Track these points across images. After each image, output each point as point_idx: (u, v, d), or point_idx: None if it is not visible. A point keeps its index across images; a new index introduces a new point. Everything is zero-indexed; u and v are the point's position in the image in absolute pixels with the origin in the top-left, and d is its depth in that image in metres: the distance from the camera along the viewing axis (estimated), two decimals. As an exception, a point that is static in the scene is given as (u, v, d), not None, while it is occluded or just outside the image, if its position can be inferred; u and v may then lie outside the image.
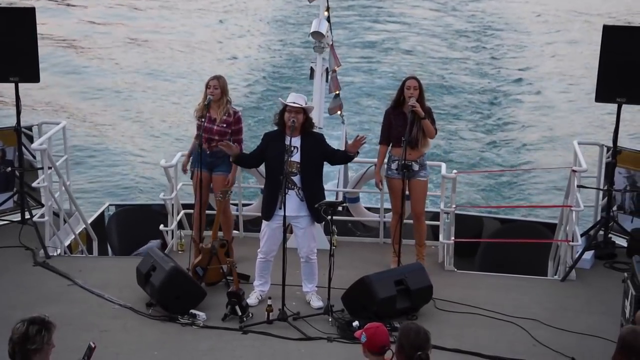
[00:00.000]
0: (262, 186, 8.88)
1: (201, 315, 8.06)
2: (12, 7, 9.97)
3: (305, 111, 8.16)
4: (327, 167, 8.60)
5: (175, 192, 9.93)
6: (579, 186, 9.40)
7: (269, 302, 8.02)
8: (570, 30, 29.19)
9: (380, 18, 31.32)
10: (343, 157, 8.50)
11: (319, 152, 8.20)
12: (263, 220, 8.34)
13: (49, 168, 9.67)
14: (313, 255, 8.34)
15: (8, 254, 9.56)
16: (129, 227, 11.46)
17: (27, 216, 10.10)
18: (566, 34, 28.87)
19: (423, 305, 8.30)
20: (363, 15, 31.57)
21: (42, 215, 9.73)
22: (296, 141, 8.11)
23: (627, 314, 7.19)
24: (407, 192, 9.08)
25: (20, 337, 4.89)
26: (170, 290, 8.11)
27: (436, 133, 9.10)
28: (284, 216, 7.97)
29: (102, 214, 11.53)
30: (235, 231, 9.98)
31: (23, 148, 10.27)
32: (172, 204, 9.94)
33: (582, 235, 9.58)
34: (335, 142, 10.88)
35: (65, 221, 10.05)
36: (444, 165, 9.84)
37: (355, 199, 11.01)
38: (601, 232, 9.82)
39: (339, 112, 11.07)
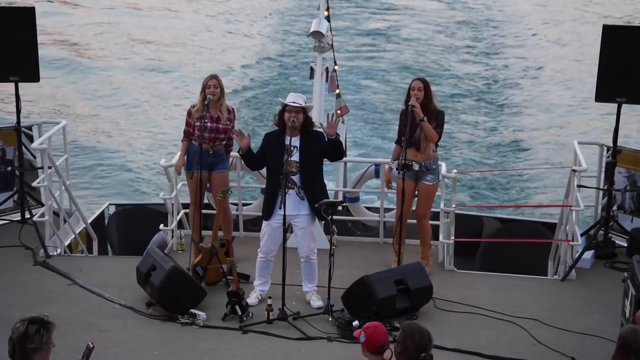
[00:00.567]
0: (263, 186, 8.88)
1: (201, 314, 8.06)
2: (12, 7, 9.97)
3: (304, 110, 8.17)
4: (327, 167, 8.61)
5: (175, 192, 9.93)
6: (579, 186, 9.40)
7: (269, 301, 8.02)
8: (572, 30, 29.26)
9: (382, 9, 31.65)
10: (331, 147, 8.21)
11: (318, 150, 8.20)
12: (263, 220, 8.34)
13: (49, 167, 9.67)
14: (313, 255, 8.34)
15: (8, 254, 9.56)
16: (129, 226, 11.46)
17: (27, 216, 10.10)
18: (567, 32, 28.93)
19: (423, 305, 8.30)
20: (364, 7, 31.88)
21: (42, 215, 9.73)
22: (296, 141, 8.11)
23: (627, 313, 7.19)
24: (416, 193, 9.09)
25: (19, 337, 4.89)
26: (170, 290, 8.11)
27: (439, 138, 8.98)
28: (284, 216, 7.97)
29: (102, 213, 11.53)
30: (235, 232, 9.98)
31: (23, 148, 10.27)
32: (172, 204, 9.94)
33: (582, 235, 9.58)
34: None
35: (65, 221, 10.05)
36: (444, 164, 9.84)
37: (355, 199, 11.01)
38: (601, 232, 9.82)
39: (339, 113, 11.07)
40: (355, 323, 7.68)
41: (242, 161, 8.78)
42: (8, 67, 9.88)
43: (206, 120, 8.95)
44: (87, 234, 10.62)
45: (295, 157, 8.11)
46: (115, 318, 8.14)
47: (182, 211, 10.29)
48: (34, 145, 9.92)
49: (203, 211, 9.26)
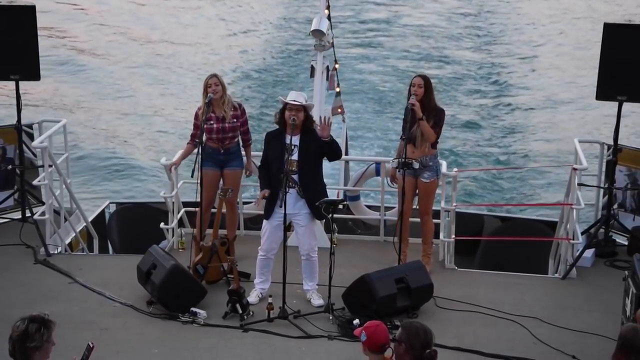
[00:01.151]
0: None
1: (202, 313, 8.06)
2: (12, 5, 9.96)
3: (305, 109, 8.16)
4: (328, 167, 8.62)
5: (175, 190, 9.93)
6: (580, 184, 9.40)
7: (270, 300, 8.02)
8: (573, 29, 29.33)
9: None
10: (327, 147, 8.19)
11: (317, 149, 8.20)
12: (264, 219, 8.34)
13: (50, 166, 9.68)
14: (314, 253, 8.34)
15: (9, 252, 9.57)
16: (129, 225, 11.46)
17: (28, 214, 10.10)
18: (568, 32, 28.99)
19: (423, 303, 8.30)
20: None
21: (43, 213, 9.73)
22: (296, 139, 8.11)
23: (628, 312, 7.19)
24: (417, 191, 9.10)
25: (20, 335, 4.90)
26: (171, 289, 8.11)
27: (438, 137, 8.98)
28: (284, 214, 7.97)
29: (103, 212, 11.53)
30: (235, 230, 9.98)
31: (24, 146, 10.27)
32: (173, 202, 9.94)
33: (582, 234, 9.58)
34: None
35: (65, 219, 10.06)
36: (444, 163, 9.84)
37: (356, 197, 11.01)
38: (602, 230, 9.82)
39: (339, 111, 11.09)
40: (356, 321, 7.68)
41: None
42: (9, 66, 9.88)
43: (212, 122, 8.92)
44: (88, 233, 10.62)
45: (295, 155, 8.11)
46: (116, 316, 8.14)
47: (183, 209, 10.29)
48: (35, 143, 9.92)
49: (213, 210, 9.23)
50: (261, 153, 8.57)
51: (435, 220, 9.79)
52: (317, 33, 10.13)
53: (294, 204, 8.13)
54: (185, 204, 10.31)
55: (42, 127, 10.48)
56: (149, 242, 9.11)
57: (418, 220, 9.33)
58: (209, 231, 9.29)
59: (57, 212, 9.98)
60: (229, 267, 8.53)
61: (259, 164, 8.70)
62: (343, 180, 11.30)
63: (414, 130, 8.86)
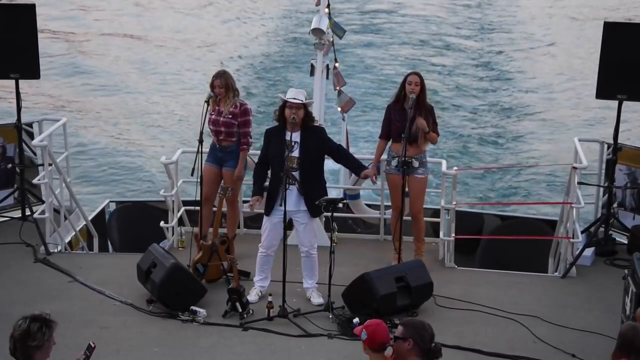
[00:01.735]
0: (266, 183, 8.87)
1: (202, 312, 8.06)
2: (12, 4, 9.95)
3: (305, 106, 8.16)
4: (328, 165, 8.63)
5: (175, 189, 9.93)
6: (580, 183, 9.40)
7: (270, 298, 8.02)
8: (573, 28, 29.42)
9: None
10: (354, 169, 8.77)
11: (318, 147, 8.20)
12: (264, 215, 8.34)
13: (50, 165, 9.67)
14: (313, 250, 8.35)
15: (8, 251, 9.56)
16: (129, 223, 11.46)
17: (28, 213, 10.10)
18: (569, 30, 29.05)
19: (423, 302, 8.30)
20: None
21: (43, 212, 9.72)
22: (296, 136, 8.11)
23: (628, 310, 7.19)
24: (407, 189, 9.09)
25: (21, 334, 4.90)
26: (171, 287, 8.11)
27: (438, 135, 9.08)
28: (284, 212, 7.97)
29: (103, 210, 11.53)
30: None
31: (23, 145, 10.27)
32: (173, 201, 9.94)
33: (582, 232, 9.58)
34: (335, 139, 10.86)
35: (65, 218, 10.05)
36: (444, 162, 9.84)
37: (356, 196, 11.01)
38: (602, 229, 9.82)
39: (340, 109, 11.08)
40: (356, 320, 7.68)
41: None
42: (8, 64, 9.88)
43: (212, 113, 8.97)
44: (88, 231, 10.62)
45: (296, 152, 8.11)
46: (116, 315, 8.14)
47: (183, 208, 10.29)
48: (35, 142, 9.92)
49: (214, 209, 9.22)
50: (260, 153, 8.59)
51: (435, 219, 9.80)
52: (317, 32, 10.13)
53: (294, 202, 8.13)
54: (185, 203, 10.32)
55: (42, 125, 10.47)
56: (148, 240, 9.11)
57: (407, 218, 9.33)
58: (209, 230, 9.30)
59: (57, 211, 9.98)
60: (229, 266, 8.53)
61: (257, 160, 8.71)
62: (343, 179, 11.29)
63: (414, 130, 8.85)
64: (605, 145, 10.05)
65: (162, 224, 10.08)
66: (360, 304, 8.02)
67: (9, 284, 8.78)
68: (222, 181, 9.13)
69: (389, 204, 10.63)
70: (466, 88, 22.62)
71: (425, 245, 9.43)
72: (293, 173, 8.11)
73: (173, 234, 10.07)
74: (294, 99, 8.10)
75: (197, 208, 9.17)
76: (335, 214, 8.22)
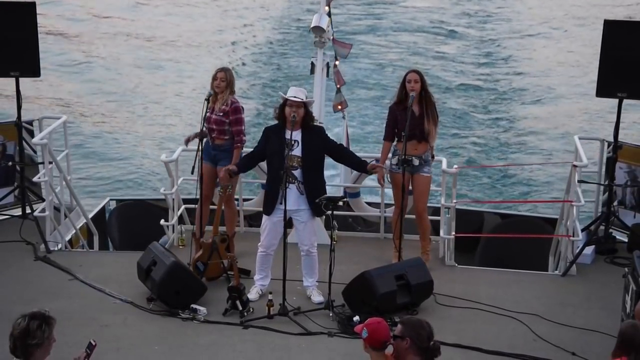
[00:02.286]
0: (263, 181, 8.89)
1: (202, 310, 8.06)
2: (12, 2, 9.94)
3: (305, 105, 8.16)
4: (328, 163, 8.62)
5: (175, 187, 9.93)
6: (580, 181, 9.39)
7: (270, 297, 8.02)
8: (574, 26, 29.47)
9: None
10: (356, 166, 8.58)
11: (319, 146, 8.20)
12: (264, 215, 8.34)
13: (50, 163, 9.67)
14: (313, 248, 8.34)
15: (9, 249, 9.57)
16: (129, 221, 11.46)
17: (28, 211, 10.10)
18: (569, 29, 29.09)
19: (423, 300, 8.30)
20: None
21: (43, 210, 9.72)
22: (297, 135, 8.10)
23: (628, 309, 7.19)
24: (410, 187, 9.09)
25: (21, 332, 4.90)
26: (171, 285, 8.11)
27: (436, 126, 9.04)
28: (285, 210, 7.97)
29: (103, 208, 11.53)
30: (235, 227, 9.98)
31: (24, 143, 10.27)
32: (173, 199, 9.95)
33: (582, 231, 9.58)
34: (335, 138, 10.88)
35: (66, 216, 10.05)
36: (444, 160, 9.84)
37: (356, 194, 11.01)
38: (602, 227, 9.82)
39: (339, 108, 11.07)
40: (356, 318, 7.68)
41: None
42: (8, 62, 9.88)
43: (208, 111, 8.97)
44: (88, 229, 10.62)
45: (297, 151, 8.10)
46: (116, 313, 8.14)
47: (183, 206, 10.29)
48: (35, 140, 9.91)
49: (212, 207, 9.23)
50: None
51: (435, 217, 9.80)
52: (317, 30, 10.13)
53: (294, 200, 8.12)
54: (185, 201, 10.32)
55: (42, 123, 10.47)
56: (149, 238, 9.12)
57: (411, 216, 9.33)
58: (208, 228, 9.30)
59: (57, 209, 9.98)
60: (229, 264, 8.53)
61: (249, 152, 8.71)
62: (343, 177, 11.29)
63: (424, 128, 8.83)
64: (606, 144, 10.05)
65: (162, 222, 10.09)
66: (361, 302, 8.02)
67: (9, 282, 8.78)
68: (218, 179, 9.14)
69: (390, 202, 10.67)
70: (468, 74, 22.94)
71: (431, 244, 9.42)
72: (293, 172, 8.11)
73: (173, 232, 10.07)
74: (294, 97, 8.09)
75: (195, 205, 9.17)
76: (335, 212, 8.21)
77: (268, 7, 30.43)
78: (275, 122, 8.33)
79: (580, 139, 10.10)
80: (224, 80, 8.96)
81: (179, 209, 10.14)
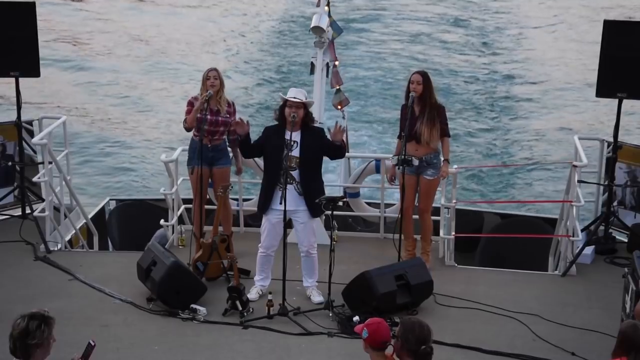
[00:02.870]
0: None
1: (202, 310, 8.06)
2: (12, 2, 9.94)
3: (305, 106, 8.16)
4: (327, 162, 8.61)
5: (175, 187, 9.93)
6: (580, 181, 9.39)
7: (270, 297, 8.02)
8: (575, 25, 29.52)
9: None
10: (334, 149, 8.26)
11: (318, 147, 8.20)
12: (263, 215, 8.34)
13: (50, 163, 9.67)
14: (313, 249, 8.34)
15: (9, 249, 9.57)
16: (129, 222, 11.47)
17: (28, 211, 10.10)
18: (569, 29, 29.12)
19: (423, 300, 8.30)
20: None
21: (43, 210, 9.72)
22: (296, 136, 8.11)
23: (628, 309, 7.19)
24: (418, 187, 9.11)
25: (20, 333, 4.89)
26: (171, 285, 8.11)
27: (449, 135, 9.05)
28: (284, 210, 7.97)
29: (103, 208, 11.53)
30: (235, 227, 9.98)
31: (23, 143, 10.27)
32: (173, 199, 9.95)
33: (582, 231, 9.58)
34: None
35: (65, 216, 10.05)
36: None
37: (356, 194, 11.01)
38: (602, 227, 9.82)
39: (339, 107, 11.07)
40: (356, 318, 7.68)
41: (239, 148, 8.72)
42: (8, 62, 9.87)
43: (206, 113, 8.93)
44: (88, 229, 10.62)
45: (296, 152, 8.11)
46: (116, 313, 8.15)
47: (183, 206, 10.29)
48: (35, 140, 9.91)
49: (205, 207, 9.26)
50: None
51: (435, 218, 9.80)
52: (317, 30, 10.13)
53: (293, 201, 8.12)
54: (185, 201, 10.32)
55: (42, 123, 10.47)
56: (149, 238, 9.13)
57: (416, 217, 9.33)
58: (207, 228, 9.30)
59: (57, 209, 9.98)
60: (229, 264, 8.53)
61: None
62: (343, 177, 11.29)
63: (417, 128, 8.83)
64: (605, 143, 10.05)
65: (162, 222, 10.09)
66: (360, 302, 8.02)
67: (9, 282, 8.78)
68: (211, 180, 9.14)
69: (390, 202, 10.68)
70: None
71: (432, 246, 9.41)
72: (291, 172, 8.11)
73: (173, 232, 10.07)
74: (294, 98, 8.10)
75: (191, 205, 9.19)
76: (335, 212, 8.21)
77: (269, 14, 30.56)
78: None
79: (580, 139, 10.10)
80: (217, 78, 8.96)
81: (178, 209, 10.14)
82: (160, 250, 8.43)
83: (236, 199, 10.35)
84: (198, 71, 21.80)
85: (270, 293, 8.10)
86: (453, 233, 9.47)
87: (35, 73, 10.00)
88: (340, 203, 9.28)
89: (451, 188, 9.56)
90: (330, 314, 8.01)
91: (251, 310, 8.06)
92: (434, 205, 9.44)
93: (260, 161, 9.05)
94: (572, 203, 9.18)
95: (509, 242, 10.40)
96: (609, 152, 9.89)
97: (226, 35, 27.80)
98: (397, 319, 7.49)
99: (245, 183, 10.78)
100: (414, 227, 9.39)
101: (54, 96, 21.37)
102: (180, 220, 10.26)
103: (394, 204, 10.43)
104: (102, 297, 8.46)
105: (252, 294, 8.34)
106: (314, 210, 8.19)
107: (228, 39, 27.37)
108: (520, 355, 7.45)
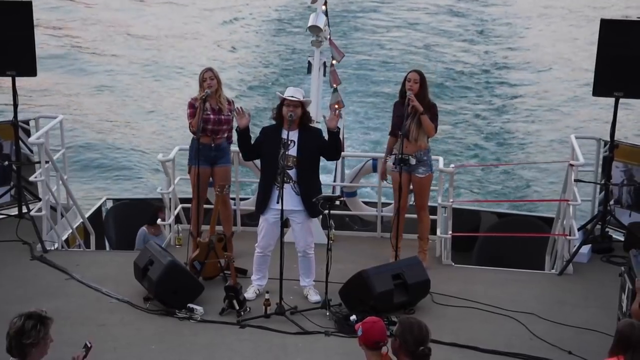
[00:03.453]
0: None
1: (199, 309, 8.06)
2: (8, 1, 9.93)
3: (303, 105, 8.16)
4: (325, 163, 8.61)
5: (172, 186, 9.92)
6: (577, 180, 9.40)
7: (267, 296, 8.02)
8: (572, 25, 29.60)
9: None
10: (330, 142, 8.17)
11: (315, 147, 8.19)
12: (261, 215, 8.34)
13: (46, 162, 9.66)
14: (310, 249, 8.34)
15: (5, 248, 9.56)
16: (126, 221, 11.46)
17: (25, 210, 10.10)
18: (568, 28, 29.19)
19: (420, 299, 8.30)
20: None
21: (40, 210, 9.71)
22: (293, 135, 8.10)
23: (624, 307, 7.20)
24: (411, 187, 9.09)
25: (16, 332, 4.89)
26: (168, 285, 8.11)
27: (436, 131, 8.98)
28: (282, 210, 7.97)
29: (100, 208, 11.53)
30: (232, 226, 9.98)
31: (20, 142, 10.26)
32: (170, 198, 9.94)
33: (579, 230, 9.58)
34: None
35: (62, 215, 10.05)
36: (441, 159, 9.84)
37: (353, 193, 11.01)
38: (598, 226, 9.83)
39: (336, 107, 11.06)
40: (353, 317, 7.67)
41: (237, 146, 8.66)
42: (5, 61, 9.87)
43: (208, 112, 8.92)
44: (85, 229, 10.61)
45: (292, 151, 8.11)
46: (113, 312, 8.14)
47: (180, 206, 10.28)
48: (31, 139, 9.90)
49: (205, 206, 9.25)
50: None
51: (432, 217, 9.80)
52: (314, 29, 10.12)
53: (289, 201, 8.10)
54: (183, 200, 10.32)
55: (38, 123, 10.46)
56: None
57: (413, 216, 9.33)
58: (204, 227, 9.29)
59: (53, 208, 9.97)
60: (226, 264, 8.53)
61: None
62: (340, 177, 11.29)
63: (407, 126, 8.81)
64: (602, 142, 10.05)
65: (159, 221, 10.08)
66: (358, 301, 8.02)
67: (5, 282, 8.77)
68: (211, 179, 9.13)
69: (387, 201, 10.68)
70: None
71: (429, 244, 9.41)
72: (288, 171, 8.10)
73: (170, 232, 10.07)
74: (292, 97, 8.10)
75: (190, 205, 9.18)
76: (332, 212, 8.21)
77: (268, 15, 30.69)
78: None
79: (576, 137, 10.10)
80: (213, 78, 8.95)
81: (175, 208, 10.14)
82: (157, 250, 8.42)
83: (233, 199, 10.35)
84: (199, 66, 21.94)
85: (267, 292, 8.10)
86: (450, 232, 9.47)
87: (32, 72, 10.00)
88: (337, 202, 9.29)
89: (448, 187, 9.57)
90: (328, 313, 8.01)
91: (248, 310, 8.06)
92: (430, 204, 9.44)
93: (257, 161, 9.04)
94: (569, 202, 9.19)
95: (506, 241, 10.41)
96: (605, 151, 9.90)
97: (226, 35, 27.81)
98: (395, 318, 7.51)
99: (249, 182, 10.79)
100: (409, 226, 9.39)
101: (51, 95, 21.36)
102: (177, 220, 10.25)
103: (391, 203, 10.43)
104: (99, 297, 8.46)
105: (249, 293, 8.34)
106: (312, 211, 8.19)
107: (228, 39, 27.38)
108: (517, 354, 7.45)
